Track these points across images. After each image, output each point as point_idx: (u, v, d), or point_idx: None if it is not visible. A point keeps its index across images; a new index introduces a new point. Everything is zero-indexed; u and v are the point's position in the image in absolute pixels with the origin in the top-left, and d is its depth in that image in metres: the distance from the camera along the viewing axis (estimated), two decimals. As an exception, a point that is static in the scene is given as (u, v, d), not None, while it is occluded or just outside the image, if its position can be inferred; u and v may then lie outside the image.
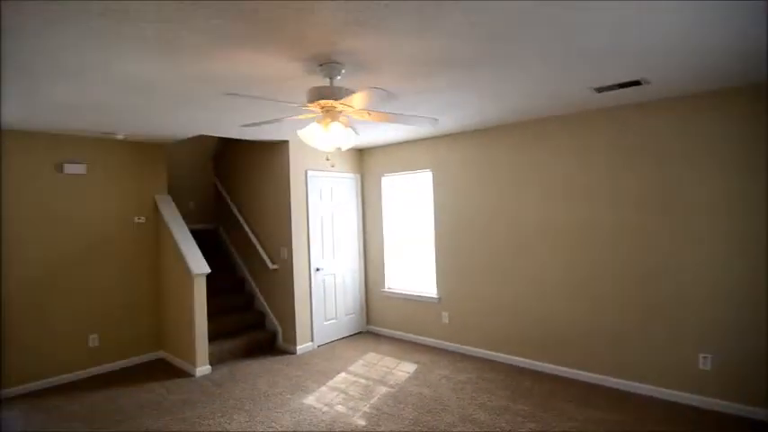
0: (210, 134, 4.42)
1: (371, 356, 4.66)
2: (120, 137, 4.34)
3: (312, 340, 5.01)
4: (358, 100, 2.31)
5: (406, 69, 2.54)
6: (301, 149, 4.99)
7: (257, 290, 5.39)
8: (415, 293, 5.13)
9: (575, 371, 3.92)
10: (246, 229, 5.43)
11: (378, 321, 5.58)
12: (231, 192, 5.83)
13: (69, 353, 4.23)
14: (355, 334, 5.53)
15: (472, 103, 3.42)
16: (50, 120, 3.59)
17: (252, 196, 5.45)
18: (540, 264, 4.12)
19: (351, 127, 2.54)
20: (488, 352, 4.50)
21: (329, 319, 5.23)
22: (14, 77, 2.46)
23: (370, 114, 2.56)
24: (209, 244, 5.66)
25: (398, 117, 2.61)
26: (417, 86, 2.88)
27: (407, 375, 4.10)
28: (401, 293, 5.27)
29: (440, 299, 4.90)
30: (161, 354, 4.84)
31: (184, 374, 4.29)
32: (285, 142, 4.90)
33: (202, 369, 4.28)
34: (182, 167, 6.07)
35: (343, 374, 4.15)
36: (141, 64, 2.29)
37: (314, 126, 2.48)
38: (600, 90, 3.11)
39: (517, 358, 4.29)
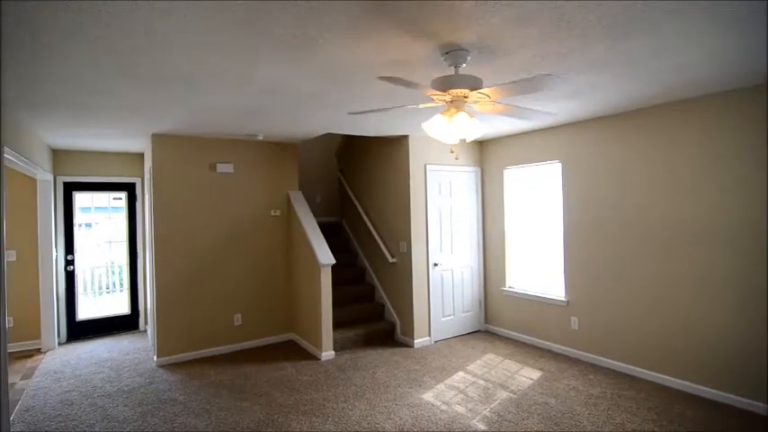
0: (335, 132, 4.64)
1: (491, 357, 4.46)
2: (260, 137, 4.80)
3: (429, 335, 4.99)
4: (492, 90, 2.17)
5: (538, 50, 2.31)
6: (421, 144, 4.97)
7: (377, 282, 5.55)
8: (540, 295, 4.77)
9: (747, 400, 3.25)
10: (367, 222, 5.61)
11: (496, 321, 5.34)
12: (354, 186, 6.09)
13: (219, 329, 4.83)
14: (472, 332, 5.36)
15: (612, 85, 3.02)
16: (204, 126, 4.11)
17: (373, 190, 5.62)
18: (695, 266, 3.50)
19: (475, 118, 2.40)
20: (626, 365, 3.98)
21: (446, 316, 5.16)
22: (179, 87, 2.84)
23: (493, 105, 2.39)
24: (333, 236, 5.98)
25: (517, 111, 2.40)
26: (548, 69, 2.62)
27: (531, 382, 3.83)
28: (524, 294, 4.96)
29: (568, 302, 4.48)
30: (291, 335, 5.27)
31: (311, 357, 4.60)
32: (405, 137, 4.93)
33: (327, 354, 4.55)
34: (310, 164, 6.52)
35: (461, 373, 4.05)
36: (273, 66, 2.46)
37: (438, 118, 2.41)
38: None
39: (663, 376, 3.72)
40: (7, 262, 5.10)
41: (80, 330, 5.58)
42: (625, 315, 3.99)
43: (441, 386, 3.78)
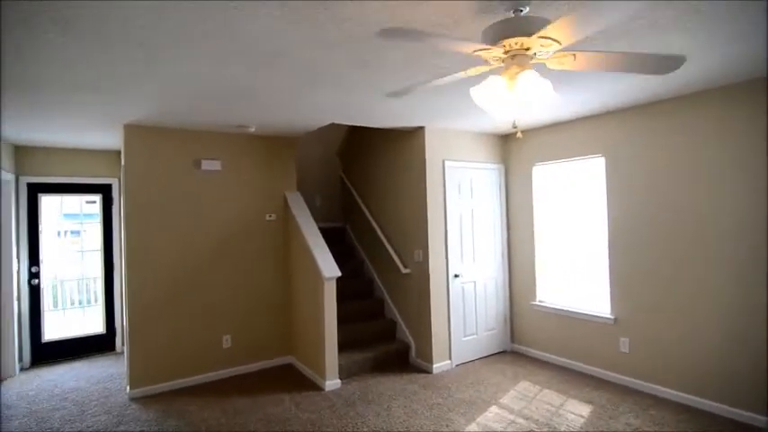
0: (341, 122, 3.98)
1: (526, 386, 3.78)
2: (251, 129, 4.13)
3: (450, 358, 4.30)
4: (564, 30, 1.52)
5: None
6: (439, 136, 4.31)
7: (387, 296, 4.86)
8: (579, 310, 4.10)
9: None
10: (376, 227, 4.94)
11: (525, 340, 4.66)
12: (359, 188, 5.42)
13: (204, 353, 4.13)
14: (497, 353, 4.68)
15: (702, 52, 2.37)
16: (185, 114, 3.44)
17: (382, 192, 4.95)
18: (790, 282, 2.84)
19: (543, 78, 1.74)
20: (694, 398, 3.30)
21: (468, 335, 4.47)
22: (138, 52, 2.17)
23: (575, 59, 1.73)
24: (336, 243, 5.30)
25: (627, 60, 1.73)
26: (624, 25, 1.97)
27: (582, 420, 3.14)
28: (558, 309, 4.28)
29: (616, 320, 3.81)
30: (290, 359, 4.57)
31: (313, 386, 3.91)
32: (420, 129, 4.28)
33: (332, 383, 3.85)
34: (308, 163, 5.84)
35: (494, 409, 3.36)
36: (274, 23, 1.79)
37: (493, 80, 1.75)
38: None
39: (748, 413, 3.04)
40: (-41, 275, 4.39)
41: (47, 353, 4.86)
42: (690, 337, 3.32)
43: (473, 427, 3.09)
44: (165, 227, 3.98)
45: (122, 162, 3.94)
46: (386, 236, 4.82)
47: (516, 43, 1.65)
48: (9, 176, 4.40)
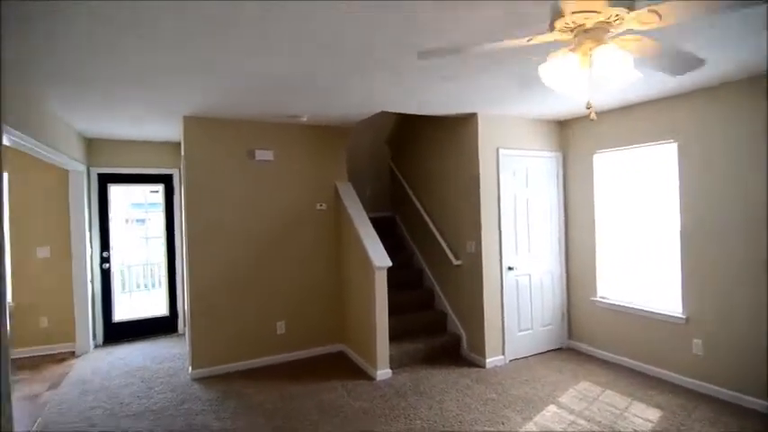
0: (393, 110, 3.92)
1: (586, 387, 3.59)
2: (304, 119, 4.16)
3: (503, 353, 4.17)
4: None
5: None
6: (493, 123, 4.15)
7: (437, 287, 4.78)
8: (646, 308, 3.83)
9: None
10: (426, 218, 4.85)
11: (584, 337, 4.43)
12: (409, 177, 5.34)
13: (260, 338, 4.25)
14: (553, 350, 4.48)
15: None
16: (240, 105, 3.51)
17: (433, 182, 4.84)
18: None
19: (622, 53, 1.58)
20: (780, 408, 3.00)
21: (523, 330, 4.31)
22: (205, 42, 2.20)
23: (660, 18, 1.54)
24: (385, 233, 5.25)
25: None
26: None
27: (651, 425, 2.93)
28: (622, 306, 4.02)
29: (687, 319, 3.52)
30: (341, 347, 4.61)
31: (364, 375, 3.92)
32: (473, 116, 4.13)
33: (383, 372, 3.84)
34: (358, 152, 5.83)
35: (552, 408, 3.21)
36: (335, 11, 1.75)
37: (565, 57, 1.61)
38: None
39: None
40: (41, 258, 4.78)
41: (117, 332, 5.21)
42: (778, 341, 3.00)
43: (530, 426, 2.97)
44: (223, 215, 4.11)
45: (182, 152, 4.09)
46: (436, 226, 4.72)
47: (592, 10, 1.50)
48: (81, 167, 4.70)
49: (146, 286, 5.70)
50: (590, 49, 1.57)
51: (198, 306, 4.00)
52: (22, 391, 3.76)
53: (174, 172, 5.40)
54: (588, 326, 4.38)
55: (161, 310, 5.47)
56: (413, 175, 5.25)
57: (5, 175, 4.49)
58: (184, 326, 5.34)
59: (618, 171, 4.12)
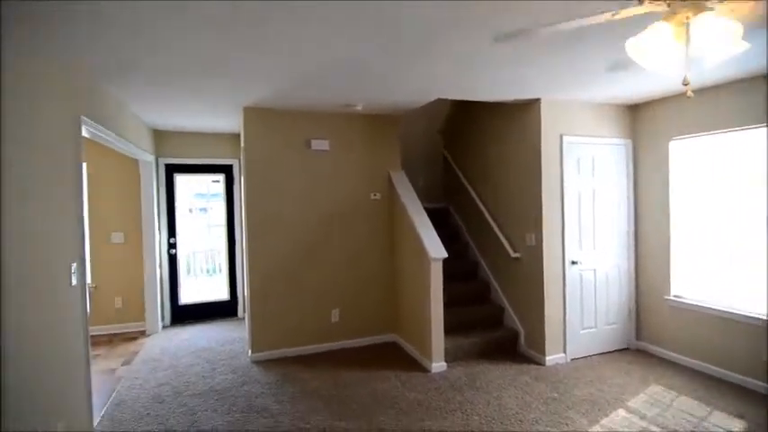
0: (451, 96, 3.81)
1: (657, 391, 3.34)
2: (359, 108, 4.13)
3: (564, 351, 3.98)
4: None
5: None
6: (556, 109, 3.92)
7: (493, 279, 4.64)
8: (729, 309, 3.49)
9: None
10: (482, 208, 4.70)
11: (654, 338, 4.13)
12: (463, 166, 5.20)
13: (315, 325, 4.33)
14: (618, 350, 4.22)
15: None
16: (298, 94, 3.53)
17: (489, 171, 4.68)
18: None
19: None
20: None
21: (586, 328, 4.08)
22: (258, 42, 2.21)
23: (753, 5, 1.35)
24: (438, 224, 5.11)
25: None
26: None
27: (735, 438, 2.68)
28: (699, 305, 3.70)
29: (779, 323, 3.18)
30: (393, 337, 4.60)
31: (418, 367, 3.88)
32: (535, 102, 3.92)
33: (437, 365, 3.79)
34: (410, 142, 5.73)
35: (621, 412, 3.01)
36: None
37: (657, 29, 1.45)
38: None
39: None
40: (116, 243, 5.12)
41: (182, 314, 5.51)
42: None
43: (597, 429, 2.80)
44: (281, 205, 4.19)
45: (242, 143, 4.20)
46: (493, 217, 4.57)
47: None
48: (150, 158, 4.97)
49: (208, 271, 5.97)
50: (686, 19, 1.39)
51: (257, 293, 4.13)
52: (99, 365, 4.07)
53: (234, 162, 5.59)
54: (659, 326, 4.07)
55: (222, 294, 5.71)
56: (468, 165, 5.10)
57: (84, 165, 4.84)
58: (243, 311, 5.55)
59: (698, 160, 3.77)
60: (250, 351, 4.16)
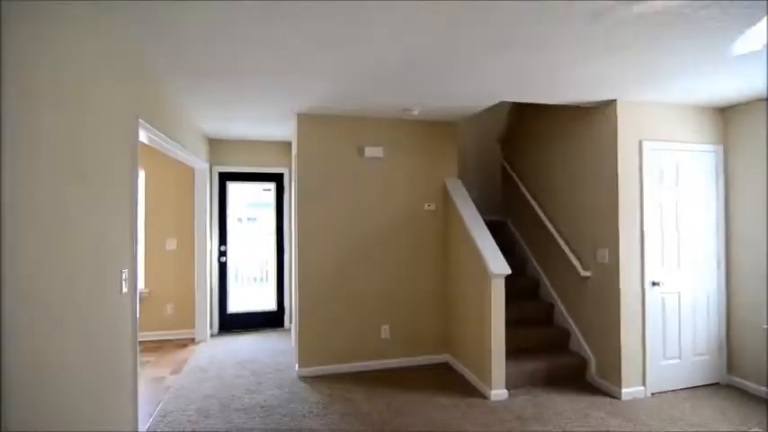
0: (515, 98, 3.52)
1: (765, 438, 2.84)
2: (415, 112, 3.92)
3: (643, 384, 3.52)
4: None
5: None
6: (636, 111, 3.53)
7: (558, 300, 4.24)
8: None
9: None
10: (545, 221, 4.33)
11: (750, 374, 3.58)
12: (524, 177, 4.85)
13: (364, 342, 4.11)
14: (707, 385, 3.69)
15: None
16: (354, 98, 3.38)
17: (554, 180, 4.31)
18: None
19: None
20: None
21: (669, 358, 3.61)
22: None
23: None
24: (495, 238, 4.83)
25: None
26: None
27: None
28: (812, 339, 3.15)
29: None
30: (446, 357, 4.30)
31: (475, 393, 3.56)
32: (610, 103, 3.55)
33: (498, 393, 3.44)
34: (465, 152, 5.48)
35: (724, 463, 2.56)
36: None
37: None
38: None
39: None
40: (169, 250, 5.16)
41: (230, 323, 5.47)
42: None
43: (696, 483, 2.38)
44: (332, 214, 4.04)
45: (294, 151, 4.10)
46: (558, 231, 4.19)
47: None
48: (205, 165, 4.99)
49: (255, 281, 5.93)
50: None
51: (305, 306, 3.97)
52: (149, 373, 4.04)
53: (285, 171, 5.54)
54: (755, 359, 3.53)
55: (270, 304, 5.63)
56: (530, 175, 4.75)
57: (142, 173, 4.94)
58: (290, 322, 5.44)
59: (809, 168, 3.25)
60: (297, 365, 3.99)
